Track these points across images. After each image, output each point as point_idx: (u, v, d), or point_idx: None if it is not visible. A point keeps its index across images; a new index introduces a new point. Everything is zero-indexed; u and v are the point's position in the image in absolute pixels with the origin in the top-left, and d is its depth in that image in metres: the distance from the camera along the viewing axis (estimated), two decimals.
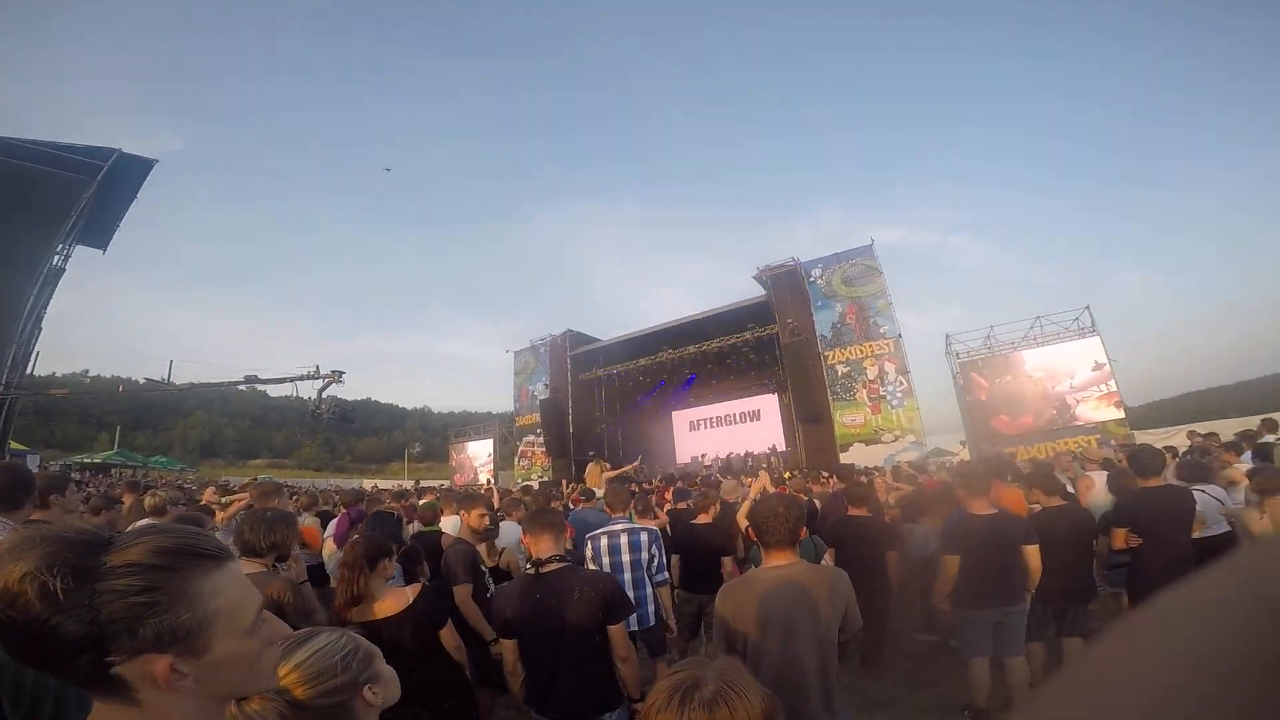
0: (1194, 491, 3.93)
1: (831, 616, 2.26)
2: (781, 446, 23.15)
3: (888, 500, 6.59)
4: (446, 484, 30.42)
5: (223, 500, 4.78)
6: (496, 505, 7.38)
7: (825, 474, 8.33)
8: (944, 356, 19.23)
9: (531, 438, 28.49)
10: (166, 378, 16.03)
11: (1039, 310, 19.37)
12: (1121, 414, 15.53)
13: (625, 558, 3.61)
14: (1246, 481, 4.26)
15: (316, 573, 4.28)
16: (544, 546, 2.61)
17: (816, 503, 6.25)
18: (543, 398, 27.62)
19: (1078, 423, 15.95)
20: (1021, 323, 17.94)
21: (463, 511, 4.15)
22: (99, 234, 22.58)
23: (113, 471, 23.92)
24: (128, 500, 5.03)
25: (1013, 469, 6.57)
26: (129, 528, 3.71)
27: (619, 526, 3.75)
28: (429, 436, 73.88)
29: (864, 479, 7.46)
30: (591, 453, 24.75)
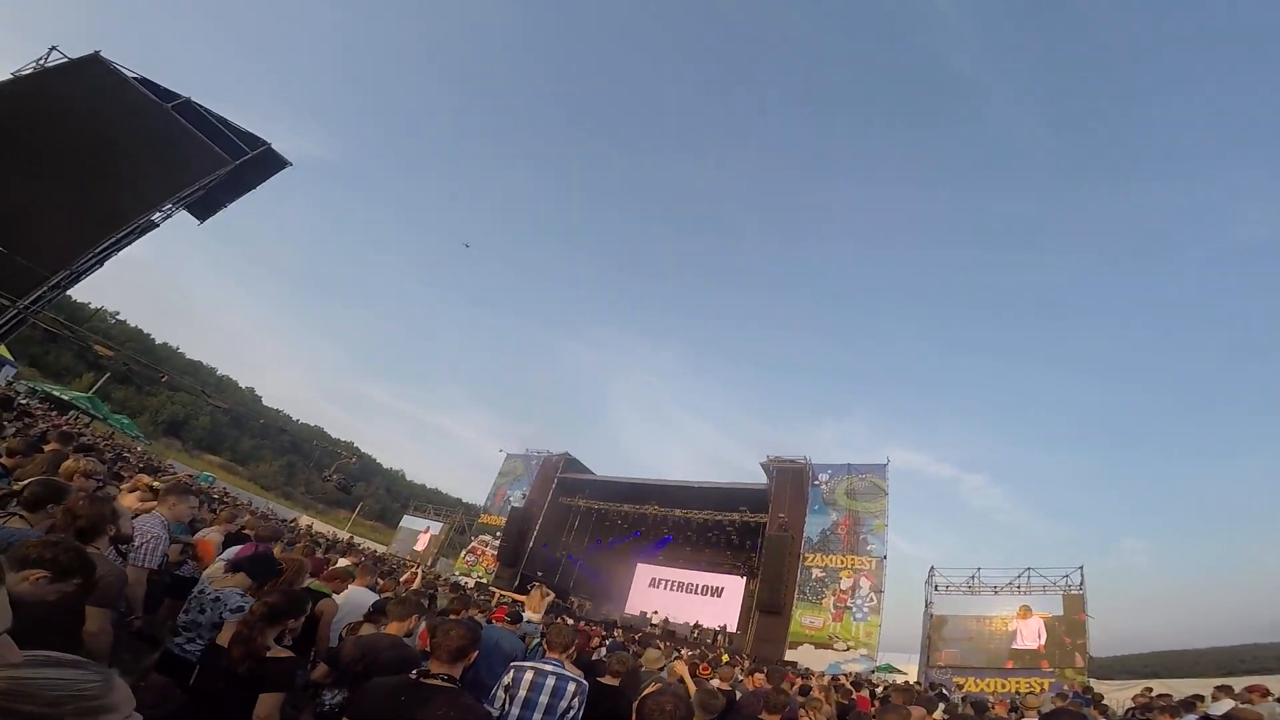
0: None
1: None
2: (733, 628, 22.68)
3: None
4: (383, 549, 29.22)
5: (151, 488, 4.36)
6: (415, 586, 6.82)
7: (760, 670, 7.88)
8: (923, 585, 19.64)
9: (488, 537, 28.48)
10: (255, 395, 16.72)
11: (1033, 560, 20.06)
12: (1083, 664, 16.15)
13: (543, 698, 3.39)
14: None
15: (188, 584, 3.86)
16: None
17: (737, 693, 6.07)
18: (516, 505, 27.89)
19: (1039, 666, 16.46)
20: (1009, 570, 18.42)
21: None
22: (206, 207, 23.90)
23: (70, 413, 23.21)
24: (49, 449, 4.70)
25: (944, 702, 6.70)
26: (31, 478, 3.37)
27: (548, 666, 3.55)
28: (390, 499, 72.04)
29: (805, 682, 7.91)
30: (541, 573, 24.44)
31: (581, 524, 28.35)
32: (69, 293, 22.57)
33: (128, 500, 3.91)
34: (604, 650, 7.64)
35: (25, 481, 3.08)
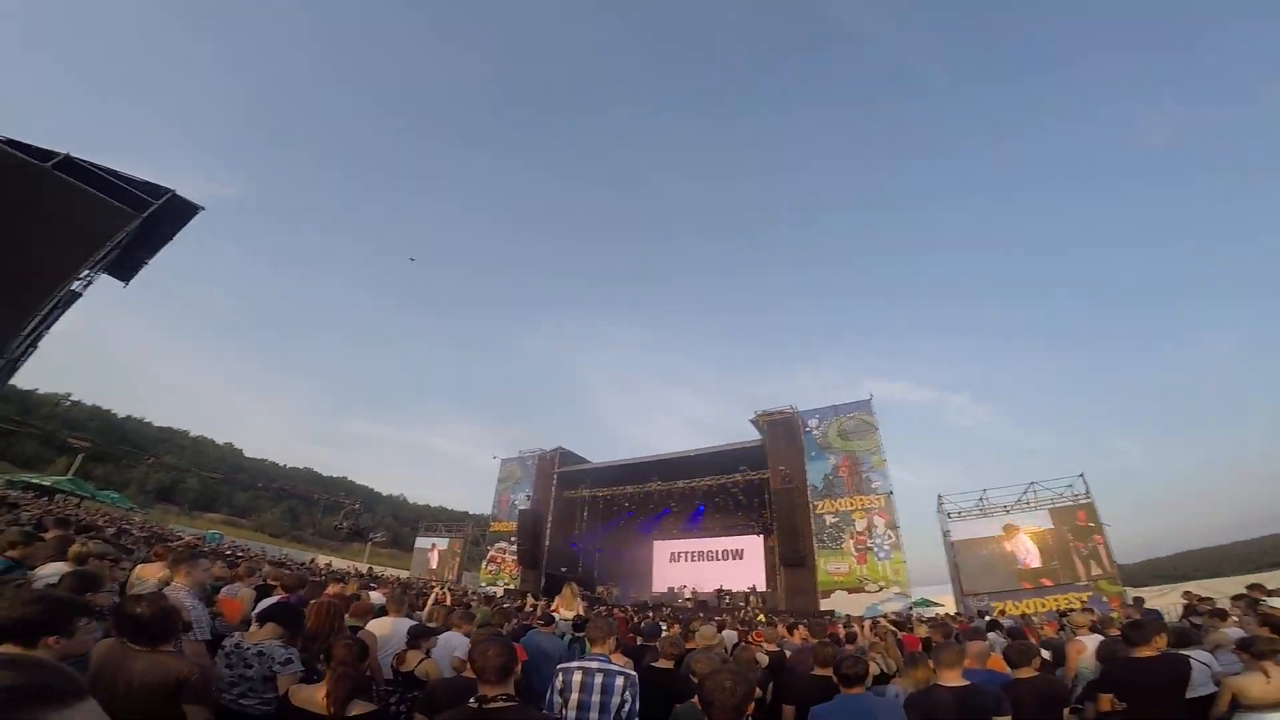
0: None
1: None
2: (762, 587, 23.00)
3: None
4: (405, 574, 29.21)
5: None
6: (449, 605, 6.84)
7: (801, 624, 7.86)
8: (935, 514, 19.87)
9: (504, 544, 28.56)
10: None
11: (1034, 474, 20.71)
12: (1113, 572, 16.25)
13: (595, 697, 3.37)
14: (1233, 645, 4.25)
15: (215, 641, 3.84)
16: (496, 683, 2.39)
17: (787, 653, 6.05)
18: (523, 508, 27.91)
19: (1074, 581, 16.51)
20: (1014, 487, 18.57)
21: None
22: (126, 267, 22.08)
23: (56, 498, 22.60)
24: (50, 535, 4.59)
25: (997, 629, 6.75)
26: (40, 569, 3.32)
27: (594, 664, 3.50)
28: (399, 525, 71.85)
29: (849, 629, 8.01)
30: (564, 569, 24.69)
31: (590, 513, 28.62)
32: (18, 385, 21.41)
33: (150, 571, 3.89)
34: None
35: (51, 575, 3.05)
